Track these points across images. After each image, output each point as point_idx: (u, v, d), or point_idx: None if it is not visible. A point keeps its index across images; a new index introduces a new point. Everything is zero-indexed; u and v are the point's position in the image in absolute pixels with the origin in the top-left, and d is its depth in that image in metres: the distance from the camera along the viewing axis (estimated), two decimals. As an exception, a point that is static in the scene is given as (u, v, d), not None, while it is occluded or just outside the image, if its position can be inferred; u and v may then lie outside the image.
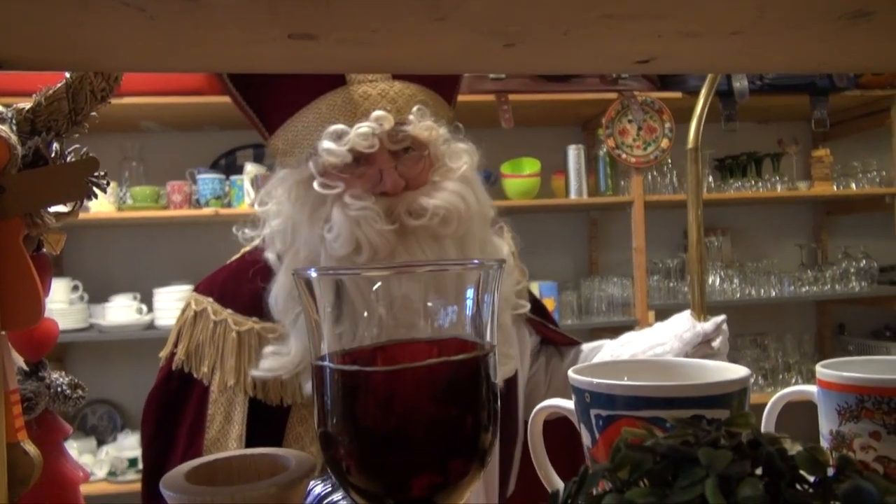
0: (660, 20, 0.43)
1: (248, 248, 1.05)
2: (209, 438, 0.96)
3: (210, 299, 1.00)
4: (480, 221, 0.98)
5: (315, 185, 0.92)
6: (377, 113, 0.89)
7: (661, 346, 0.98)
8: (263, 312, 0.97)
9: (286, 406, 0.97)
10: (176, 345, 1.01)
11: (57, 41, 0.41)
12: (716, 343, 0.96)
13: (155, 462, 1.00)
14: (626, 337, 1.09)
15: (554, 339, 1.19)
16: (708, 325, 0.96)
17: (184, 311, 1.03)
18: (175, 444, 0.99)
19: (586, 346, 1.17)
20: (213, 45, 0.44)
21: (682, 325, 0.98)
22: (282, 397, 0.97)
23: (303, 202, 0.94)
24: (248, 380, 0.96)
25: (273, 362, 0.94)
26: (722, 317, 0.97)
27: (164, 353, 1.02)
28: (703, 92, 0.93)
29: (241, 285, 1.00)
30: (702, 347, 0.96)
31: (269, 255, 0.99)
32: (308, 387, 0.94)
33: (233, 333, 0.97)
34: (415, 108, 0.92)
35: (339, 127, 0.89)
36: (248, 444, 0.95)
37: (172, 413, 1.00)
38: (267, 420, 0.97)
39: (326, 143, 0.89)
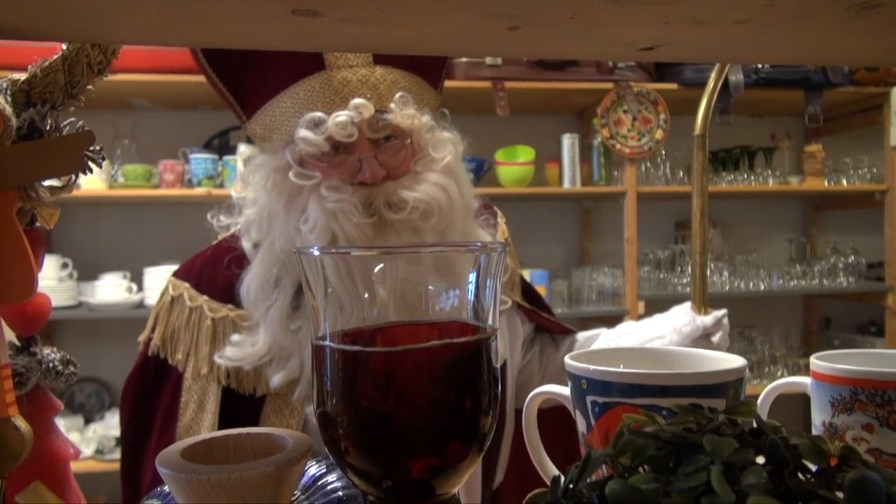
0: (667, 6, 0.43)
1: (225, 235, 1.03)
2: (182, 426, 0.95)
3: (187, 284, 0.99)
4: (463, 213, 0.96)
5: (291, 175, 0.89)
6: (356, 101, 0.86)
7: (659, 339, 0.97)
8: (238, 300, 0.96)
9: (260, 396, 0.96)
10: (153, 329, 1.00)
11: (55, 10, 0.40)
12: (715, 338, 0.95)
13: (131, 446, 1.00)
14: (625, 327, 1.08)
15: (548, 327, 1.18)
16: (708, 319, 0.94)
17: (162, 295, 1.02)
18: (150, 429, 0.98)
19: (581, 336, 1.17)
20: (214, 19, 0.43)
21: (682, 319, 0.96)
22: (255, 387, 0.96)
23: (279, 191, 0.92)
24: (222, 369, 0.95)
25: (237, 352, 0.93)
26: (723, 311, 0.96)
27: (142, 338, 1.01)
28: (713, 77, 0.90)
29: (216, 272, 0.98)
30: (701, 342, 0.95)
31: (245, 244, 0.97)
32: (275, 379, 0.93)
33: (207, 321, 0.96)
34: (397, 96, 0.89)
35: (317, 115, 0.87)
36: None
37: (148, 398, 0.99)
38: (241, 409, 0.96)
39: (303, 132, 0.87)
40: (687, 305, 0.99)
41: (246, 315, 0.96)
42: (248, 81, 0.94)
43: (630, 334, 1.05)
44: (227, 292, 0.97)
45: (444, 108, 1.02)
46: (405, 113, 0.89)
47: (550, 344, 1.19)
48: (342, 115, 0.86)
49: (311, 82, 0.88)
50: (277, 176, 0.92)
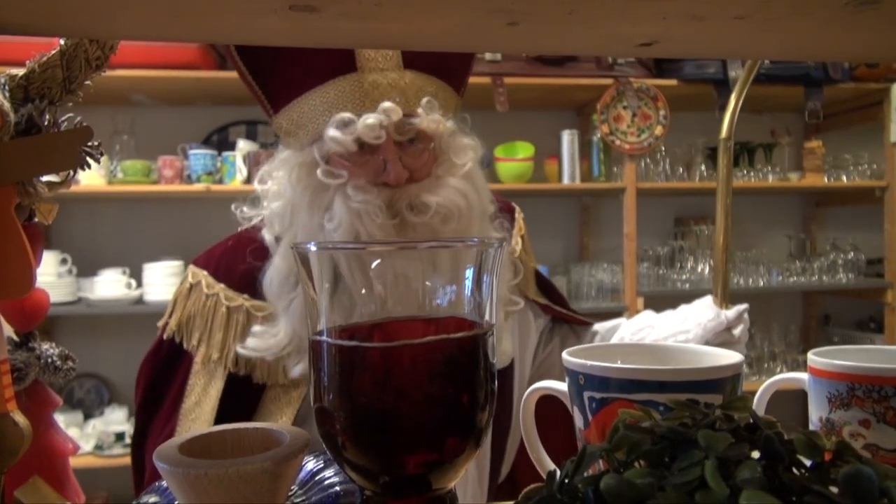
0: (666, 2, 0.43)
1: (246, 226, 1.05)
2: (184, 408, 0.97)
3: (205, 272, 1.01)
4: (479, 218, 0.98)
5: (319, 173, 0.91)
6: (386, 104, 0.88)
7: (684, 334, 0.99)
8: (255, 290, 0.97)
9: (262, 384, 0.98)
10: (171, 315, 1.02)
11: (53, 6, 0.40)
12: (736, 331, 0.97)
13: (141, 429, 1.02)
14: (645, 320, 1.09)
15: (564, 319, 1.19)
16: (731, 313, 0.97)
17: (182, 282, 1.04)
18: (159, 412, 1.00)
19: (601, 328, 1.17)
20: (212, 14, 0.43)
21: (707, 314, 0.98)
22: (267, 375, 0.98)
23: (304, 186, 0.94)
24: (231, 355, 0.97)
25: (260, 342, 0.95)
26: (744, 305, 0.98)
27: (161, 323, 1.03)
28: (742, 79, 0.96)
29: (235, 262, 1.00)
30: (722, 334, 0.97)
31: (266, 236, 0.99)
32: (297, 370, 0.95)
33: (223, 308, 0.98)
34: (424, 101, 0.91)
35: (347, 115, 0.88)
36: (219, 418, 0.96)
37: (161, 381, 1.01)
38: (240, 395, 0.98)
39: (332, 132, 0.89)
40: (709, 299, 1.01)
41: (261, 306, 0.97)
42: (278, 77, 0.95)
43: (652, 327, 1.05)
44: (244, 282, 0.98)
45: (465, 114, 1.04)
46: (431, 118, 0.91)
47: (571, 336, 1.20)
48: (371, 118, 0.87)
49: (342, 83, 0.90)
50: (303, 171, 0.94)
